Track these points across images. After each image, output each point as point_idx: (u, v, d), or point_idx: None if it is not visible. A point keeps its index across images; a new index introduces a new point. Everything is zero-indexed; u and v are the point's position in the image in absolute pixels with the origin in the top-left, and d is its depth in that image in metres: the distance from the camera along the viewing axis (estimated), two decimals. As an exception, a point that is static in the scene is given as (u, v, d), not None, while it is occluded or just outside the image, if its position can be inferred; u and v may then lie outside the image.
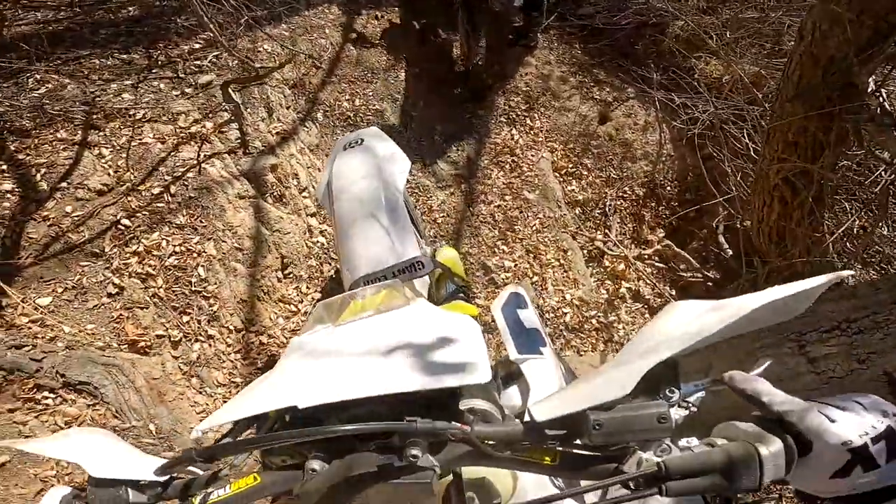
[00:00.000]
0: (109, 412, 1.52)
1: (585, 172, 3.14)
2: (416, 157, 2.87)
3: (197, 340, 1.80)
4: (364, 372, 0.57)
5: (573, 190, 3.10)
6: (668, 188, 3.17)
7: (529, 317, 0.99)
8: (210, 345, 1.82)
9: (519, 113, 3.21)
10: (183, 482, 0.55)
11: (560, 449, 0.52)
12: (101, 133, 1.97)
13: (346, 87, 2.84)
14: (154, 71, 2.29)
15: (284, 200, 2.14)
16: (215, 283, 1.84)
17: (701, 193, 3.03)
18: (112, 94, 2.12)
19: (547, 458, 0.52)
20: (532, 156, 3.04)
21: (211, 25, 2.11)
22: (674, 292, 2.87)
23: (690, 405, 0.52)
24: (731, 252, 2.83)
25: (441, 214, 2.77)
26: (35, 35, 2.29)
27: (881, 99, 1.77)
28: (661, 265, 2.94)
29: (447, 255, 1.30)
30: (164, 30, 2.49)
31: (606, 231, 3.02)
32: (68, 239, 1.72)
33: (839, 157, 2.20)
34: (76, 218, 1.75)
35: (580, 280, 2.77)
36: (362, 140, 1.29)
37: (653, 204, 3.14)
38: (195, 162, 1.98)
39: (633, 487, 0.46)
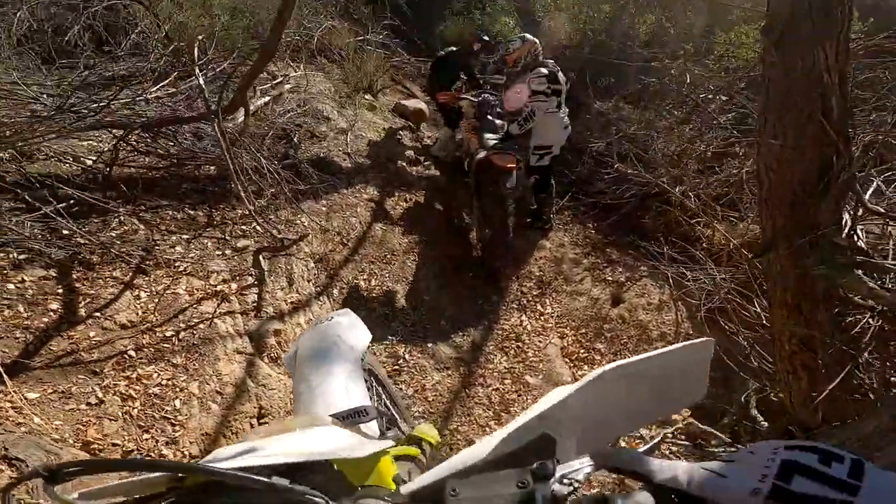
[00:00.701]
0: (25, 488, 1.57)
1: (598, 357, 3.20)
2: (419, 339, 3.09)
3: (148, 456, 1.94)
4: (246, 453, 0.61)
5: (584, 374, 3.10)
6: None
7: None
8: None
9: (530, 298, 3.46)
10: None
11: None
12: (147, 278, 2.44)
13: (366, 267, 3.33)
14: (208, 230, 2.86)
15: (279, 362, 2.44)
16: (186, 415, 2.06)
17: (725, 368, 2.86)
18: (168, 245, 2.65)
19: None
20: (539, 342, 3.19)
21: (246, 198, 2.70)
22: None
23: (574, 482, 0.51)
24: (766, 425, 2.60)
25: (433, 393, 2.88)
26: (135, 179, 2.97)
27: (855, 237, 1.70)
28: (686, 443, 2.80)
29: (423, 428, 1.37)
30: (229, 192, 3.14)
31: None
32: (79, 356, 2.05)
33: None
34: (94, 342, 2.11)
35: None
36: (332, 318, 1.52)
37: None
38: (210, 316, 2.37)
39: None
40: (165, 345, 2.21)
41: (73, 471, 0.49)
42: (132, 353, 2.14)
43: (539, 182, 3.84)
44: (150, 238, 2.65)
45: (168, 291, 2.43)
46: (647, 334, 3.25)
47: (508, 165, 3.27)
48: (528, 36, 3.77)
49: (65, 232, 2.47)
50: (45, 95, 3.01)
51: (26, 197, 2.46)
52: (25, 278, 2.25)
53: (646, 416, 0.65)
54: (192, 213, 2.95)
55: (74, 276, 2.32)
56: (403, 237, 3.66)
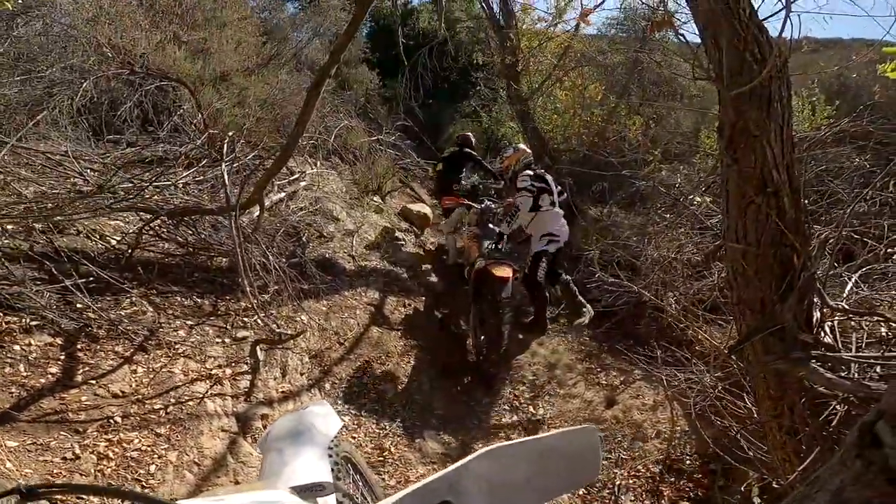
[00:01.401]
0: None
1: None
2: (407, 434, 3.10)
3: None
4: None
5: None
6: (689, 462, 3.04)
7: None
8: None
9: (523, 401, 3.48)
10: None
11: None
12: (147, 356, 2.59)
13: (360, 366, 3.44)
14: (212, 318, 3.06)
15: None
16: (159, 480, 2.07)
17: (726, 463, 2.78)
18: (172, 328, 2.84)
19: None
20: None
21: (249, 291, 2.92)
22: None
23: None
24: None
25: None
26: (152, 263, 3.24)
27: (822, 333, 1.75)
28: None
29: None
30: (236, 285, 3.37)
31: None
32: (65, 416, 2.13)
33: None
34: (83, 405, 2.19)
35: None
36: (308, 407, 1.62)
37: (672, 479, 2.98)
38: (201, 396, 2.46)
39: None
40: (152, 415, 2.27)
41: (49, 490, 0.58)
42: (118, 419, 2.20)
43: (549, 272, 4.06)
44: (156, 320, 2.84)
45: (164, 369, 2.55)
46: (642, 432, 3.24)
47: (504, 276, 3.53)
48: (520, 146, 4.40)
49: (78, 305, 2.68)
50: (88, 171, 3.42)
51: (52, 269, 2.73)
52: (32, 342, 2.40)
53: (540, 494, 0.70)
54: (199, 301, 3.17)
55: (79, 346, 2.47)
56: (400, 340, 3.80)
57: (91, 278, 2.80)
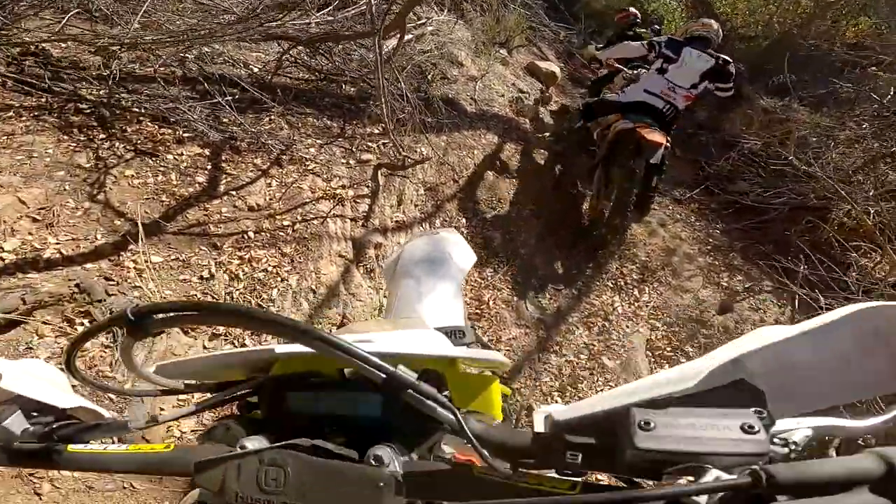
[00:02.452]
0: (110, 359, 1.60)
1: (683, 359, 2.70)
2: (506, 290, 2.78)
3: (231, 343, 1.88)
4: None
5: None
6: None
7: None
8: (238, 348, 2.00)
9: (629, 281, 2.99)
10: (71, 429, 0.45)
11: (582, 480, 0.34)
12: (281, 170, 2.43)
13: (470, 206, 3.10)
14: (339, 140, 2.80)
15: (372, 276, 2.35)
16: (279, 308, 2.03)
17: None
18: (304, 146, 2.63)
19: (564, 487, 0.34)
20: (627, 327, 2.76)
21: (385, 113, 2.57)
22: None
23: (791, 444, 0.36)
24: None
25: (507, 348, 2.58)
26: (289, 87, 3.00)
27: None
28: None
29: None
30: (362, 112, 3.04)
31: None
32: (207, 229, 2.10)
33: None
34: (223, 217, 2.15)
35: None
36: (438, 231, 1.32)
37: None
38: (325, 215, 2.34)
39: None
40: (280, 232, 2.20)
41: (163, 318, 0.38)
42: (251, 234, 2.14)
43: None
44: (291, 136, 2.64)
45: (295, 185, 2.41)
46: None
47: (657, 140, 2.70)
48: (707, 20, 3.16)
49: (225, 119, 2.54)
50: (234, 6, 3.11)
51: (205, 88, 2.57)
52: (184, 152, 2.33)
53: (872, 386, 0.38)
54: (329, 123, 2.90)
55: (223, 157, 2.37)
56: (513, 188, 3.35)
57: (237, 96, 2.60)
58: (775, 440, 0.36)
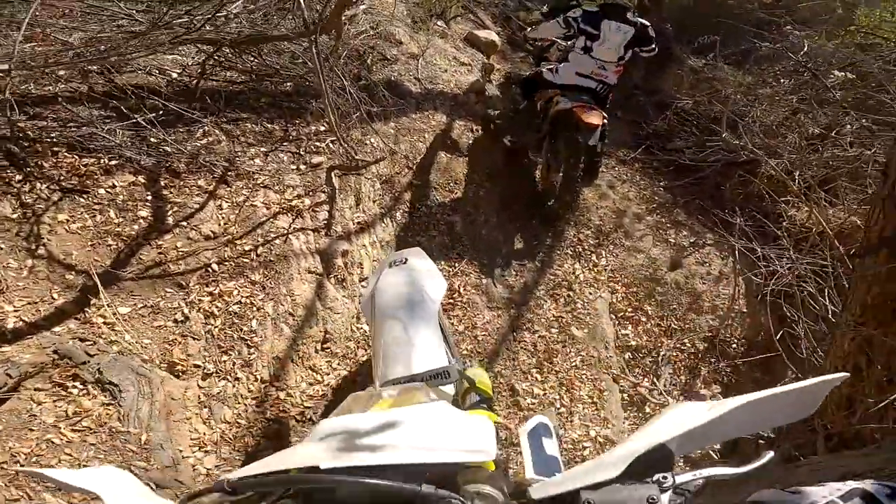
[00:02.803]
0: (117, 414, 1.60)
1: (644, 319, 2.95)
2: (475, 274, 2.87)
3: (225, 378, 1.95)
4: (381, 445, 0.57)
5: (627, 335, 2.91)
6: (734, 345, 2.89)
7: (551, 445, 1.02)
8: (234, 385, 1.98)
9: (586, 247, 3.14)
10: None
11: None
12: (229, 189, 2.29)
13: (429, 192, 3.10)
14: (284, 144, 2.65)
15: (345, 284, 2.34)
16: (261, 337, 2.02)
17: (769, 354, 2.68)
18: (248, 157, 2.48)
19: None
20: (590, 293, 2.92)
21: (332, 117, 2.48)
22: (718, 446, 2.48)
23: (686, 492, 0.50)
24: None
25: (483, 333, 2.69)
26: (218, 92, 2.76)
27: None
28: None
29: (476, 372, 1.29)
30: (304, 109, 2.89)
31: (655, 379, 2.79)
32: (167, 268, 1.98)
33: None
34: (180, 253, 2.03)
35: (611, 420, 2.56)
36: (406, 259, 1.41)
37: (712, 359, 2.87)
38: (285, 232, 2.26)
39: None
40: (245, 259, 2.11)
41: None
42: (215, 266, 2.04)
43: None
44: (231, 149, 2.47)
45: (247, 203, 2.30)
46: (698, 304, 2.91)
47: (594, 122, 2.79)
48: None
49: (153, 140, 2.33)
50: (134, 12, 2.76)
51: (120, 107, 2.31)
52: (116, 183, 2.14)
53: (743, 431, 0.59)
54: (269, 126, 2.73)
55: (162, 183, 2.20)
56: (466, 167, 3.37)
57: (160, 112, 2.37)
58: (677, 490, 0.49)
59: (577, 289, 2.91)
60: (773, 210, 3.00)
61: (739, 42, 3.90)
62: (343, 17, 2.65)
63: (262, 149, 2.56)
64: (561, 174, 3.03)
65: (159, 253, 1.99)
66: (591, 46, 3.06)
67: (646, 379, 2.82)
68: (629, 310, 2.96)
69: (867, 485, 0.43)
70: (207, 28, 2.57)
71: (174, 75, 2.70)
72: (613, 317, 2.93)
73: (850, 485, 0.43)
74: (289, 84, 2.98)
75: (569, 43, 3.21)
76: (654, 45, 3.15)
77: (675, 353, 2.86)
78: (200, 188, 2.24)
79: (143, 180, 2.18)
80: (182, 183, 2.22)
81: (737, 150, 2.98)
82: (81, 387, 1.60)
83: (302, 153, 2.64)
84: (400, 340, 1.17)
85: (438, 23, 4.09)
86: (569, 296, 2.88)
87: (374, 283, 1.39)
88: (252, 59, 2.85)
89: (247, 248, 2.13)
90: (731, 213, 2.92)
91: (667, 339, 2.87)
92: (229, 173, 2.34)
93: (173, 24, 2.44)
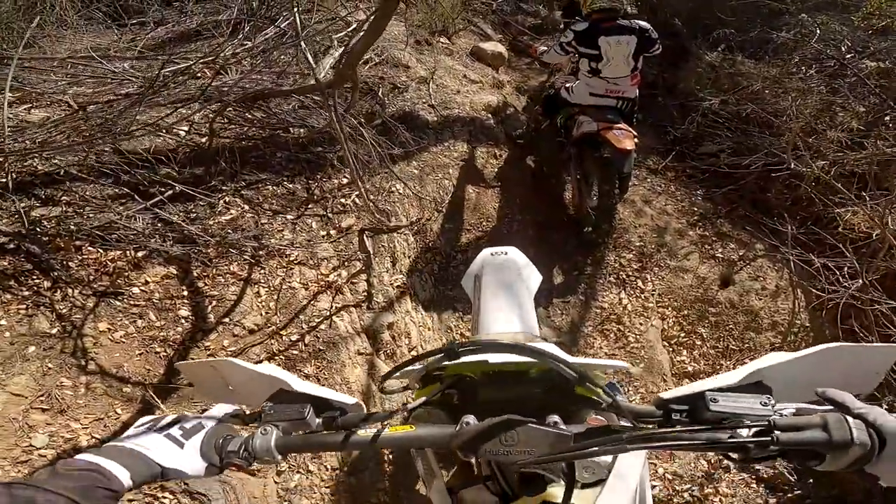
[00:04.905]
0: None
1: (699, 342, 2.81)
2: None
3: (298, 472, 1.90)
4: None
5: (682, 361, 2.78)
6: None
7: (623, 399, 1.15)
8: (307, 477, 1.92)
9: (630, 273, 2.99)
10: (348, 418, 0.66)
11: (679, 429, 0.57)
12: (263, 271, 2.18)
13: (462, 235, 2.99)
14: (310, 206, 2.53)
15: (395, 358, 2.27)
16: None
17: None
18: (276, 228, 2.36)
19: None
20: (640, 324, 2.80)
21: (356, 176, 2.34)
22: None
23: (784, 415, 0.58)
24: None
25: None
26: (230, 150, 2.61)
27: None
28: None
29: None
30: (322, 160, 2.76)
31: None
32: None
33: None
34: (229, 352, 1.95)
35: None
36: (507, 252, 1.48)
37: None
38: (328, 313, 2.16)
39: (747, 447, 0.52)
40: (294, 351, 2.03)
41: (467, 349, 0.66)
42: (266, 363, 1.99)
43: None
44: (257, 222, 2.35)
45: (285, 286, 2.20)
46: (756, 322, 2.75)
47: (626, 146, 2.60)
48: None
49: (175, 220, 2.21)
50: (125, 66, 2.55)
51: (132, 181, 2.17)
52: (148, 280, 2.03)
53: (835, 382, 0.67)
54: (290, 186, 2.60)
55: (195, 273, 2.08)
56: (497, 199, 3.23)
57: (177, 187, 2.26)
58: (777, 413, 0.57)
59: (626, 321, 2.81)
60: (825, 214, 2.82)
61: (753, 33, 3.68)
62: (338, 47, 2.47)
63: (289, 216, 2.44)
64: (595, 198, 2.89)
65: (209, 354, 1.89)
66: (596, 68, 2.88)
67: None
68: (682, 335, 2.84)
69: None
70: (209, 83, 2.40)
71: (182, 134, 2.54)
72: (666, 344, 2.84)
73: None
74: (302, 130, 2.81)
75: (574, 63, 3.02)
76: (658, 45, 2.96)
77: None
78: (234, 275, 2.13)
79: (174, 272, 2.07)
80: (215, 271, 2.11)
81: (778, 153, 2.82)
82: (172, 497, 1.59)
83: (330, 215, 2.52)
84: (501, 309, 1.26)
85: (441, 39, 3.87)
86: (619, 330, 2.79)
87: (480, 264, 1.47)
88: (261, 113, 2.68)
89: (293, 338, 2.04)
90: (780, 221, 2.78)
91: (725, 361, 2.75)
92: (260, 253, 2.22)
93: (169, 83, 2.25)
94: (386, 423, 0.64)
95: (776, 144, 2.92)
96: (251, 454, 0.59)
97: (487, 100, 3.58)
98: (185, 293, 2.03)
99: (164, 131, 2.49)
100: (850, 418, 0.51)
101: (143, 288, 2.00)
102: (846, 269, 2.42)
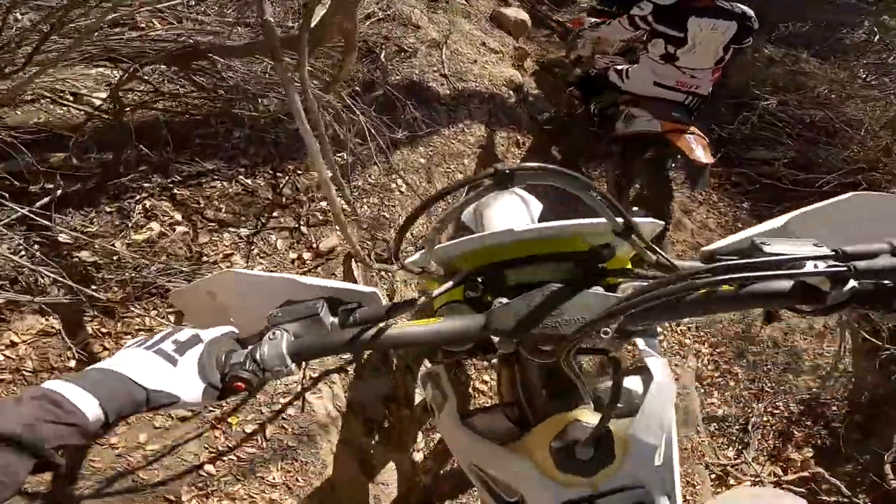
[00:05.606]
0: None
1: (733, 383, 2.53)
2: None
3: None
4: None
5: (713, 403, 2.50)
6: (834, 407, 2.53)
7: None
8: None
9: None
10: (366, 312, 0.57)
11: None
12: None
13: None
14: (275, 215, 1.80)
15: (391, 437, 1.64)
16: None
17: (875, 416, 2.42)
18: (222, 252, 1.63)
19: (726, 287, 0.51)
20: (676, 365, 2.46)
21: (326, 170, 1.60)
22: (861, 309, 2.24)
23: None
24: (894, 485, 2.18)
25: None
26: (159, 123, 1.79)
27: None
28: (798, 489, 2.38)
29: None
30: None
31: (741, 449, 2.43)
32: (138, 477, 1.23)
33: None
34: (150, 452, 1.26)
35: None
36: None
37: (808, 422, 2.51)
38: (299, 388, 1.48)
39: (821, 291, 0.47)
40: (250, 449, 1.36)
41: (522, 174, 0.48)
42: (210, 468, 1.29)
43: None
44: (193, 239, 1.62)
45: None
46: (798, 364, 2.46)
47: (702, 159, 2.05)
48: None
49: (63, 240, 1.43)
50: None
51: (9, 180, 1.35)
52: (16, 338, 1.29)
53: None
54: (248, 182, 1.84)
55: (90, 331, 1.36)
56: None
57: (74, 180, 1.46)
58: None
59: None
60: None
61: (825, 29, 3.13)
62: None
63: (243, 230, 1.70)
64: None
65: (118, 455, 1.22)
66: (674, 54, 2.27)
67: (731, 448, 2.42)
68: (716, 373, 2.50)
69: None
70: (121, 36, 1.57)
71: (97, 103, 1.72)
72: (699, 385, 2.46)
73: None
74: (274, 100, 2.02)
75: (639, 45, 2.39)
76: (752, 36, 2.37)
77: (765, 418, 2.46)
78: (153, 330, 1.40)
79: (56, 325, 1.32)
80: (122, 328, 1.38)
81: (853, 169, 2.35)
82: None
83: (304, 229, 1.81)
84: (510, 212, 1.16)
85: None
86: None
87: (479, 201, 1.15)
88: (206, 78, 1.85)
89: (248, 428, 1.36)
90: None
91: (757, 404, 2.46)
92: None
93: (80, 26, 1.40)
94: (408, 313, 0.56)
95: (850, 158, 2.42)
96: (259, 365, 0.50)
97: (509, 73, 2.87)
98: (76, 357, 1.30)
99: (69, 96, 1.65)
100: None
101: (6, 353, 1.26)
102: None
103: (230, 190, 1.80)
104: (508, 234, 0.62)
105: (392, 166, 2.13)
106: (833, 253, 0.46)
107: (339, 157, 1.98)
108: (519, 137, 2.77)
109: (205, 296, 0.68)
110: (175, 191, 1.68)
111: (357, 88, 2.21)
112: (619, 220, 0.51)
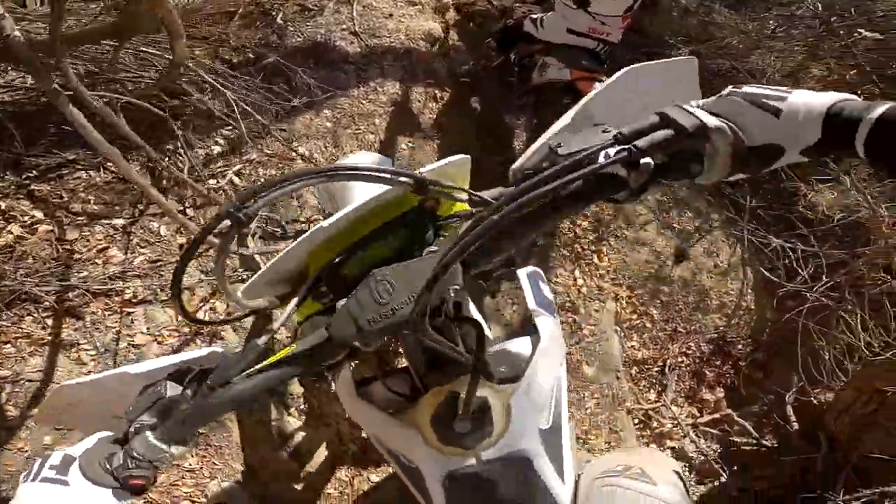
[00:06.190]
0: None
1: (650, 325, 2.60)
2: None
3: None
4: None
5: (633, 346, 2.59)
6: (740, 346, 2.62)
7: (546, 290, 0.97)
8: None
9: (585, 245, 2.63)
10: (217, 374, 0.55)
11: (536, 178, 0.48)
12: (80, 323, 1.40)
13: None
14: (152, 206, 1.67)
15: (311, 413, 1.67)
16: None
17: (775, 356, 2.50)
18: (94, 247, 1.51)
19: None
20: (595, 310, 2.52)
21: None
22: (719, 448, 2.43)
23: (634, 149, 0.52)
24: (797, 426, 2.33)
25: None
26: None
27: None
28: (712, 430, 2.52)
29: None
30: (182, 113, 1.83)
31: (660, 391, 2.54)
32: None
33: None
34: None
35: None
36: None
37: (717, 362, 2.61)
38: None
39: (618, 176, 0.49)
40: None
41: (261, 196, 0.48)
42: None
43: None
44: (58, 238, 1.49)
45: (124, 343, 1.44)
46: (706, 302, 2.57)
47: None
48: None
49: None
50: None
51: None
52: None
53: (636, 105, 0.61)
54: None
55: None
56: (435, 154, 2.54)
57: None
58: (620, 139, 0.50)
59: (581, 307, 2.45)
60: (791, 190, 2.57)
61: None
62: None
63: (118, 220, 1.61)
64: None
65: (27, 458, 1.21)
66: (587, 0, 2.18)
67: (651, 391, 2.55)
68: (635, 317, 2.58)
69: None
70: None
71: None
72: (618, 328, 2.58)
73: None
74: (156, 51, 1.82)
75: None
76: None
77: (680, 360, 2.58)
78: (30, 338, 1.36)
79: None
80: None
81: None
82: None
83: (190, 212, 1.70)
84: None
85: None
86: (574, 321, 2.43)
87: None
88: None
89: None
90: (741, 193, 2.54)
91: (672, 345, 2.57)
92: (69, 295, 1.43)
93: None
94: (261, 355, 0.55)
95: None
96: (143, 460, 0.49)
97: (428, 27, 2.68)
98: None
99: None
100: (686, 106, 0.48)
101: None
102: (802, 250, 2.27)
103: (98, 179, 1.64)
104: (320, 233, 0.58)
105: (291, 135, 2.01)
106: (613, 139, 0.46)
107: (225, 132, 1.85)
108: (437, 92, 2.65)
109: (67, 408, 0.62)
110: (32, 187, 1.52)
111: (245, 58, 2.01)
112: (405, 179, 0.50)
